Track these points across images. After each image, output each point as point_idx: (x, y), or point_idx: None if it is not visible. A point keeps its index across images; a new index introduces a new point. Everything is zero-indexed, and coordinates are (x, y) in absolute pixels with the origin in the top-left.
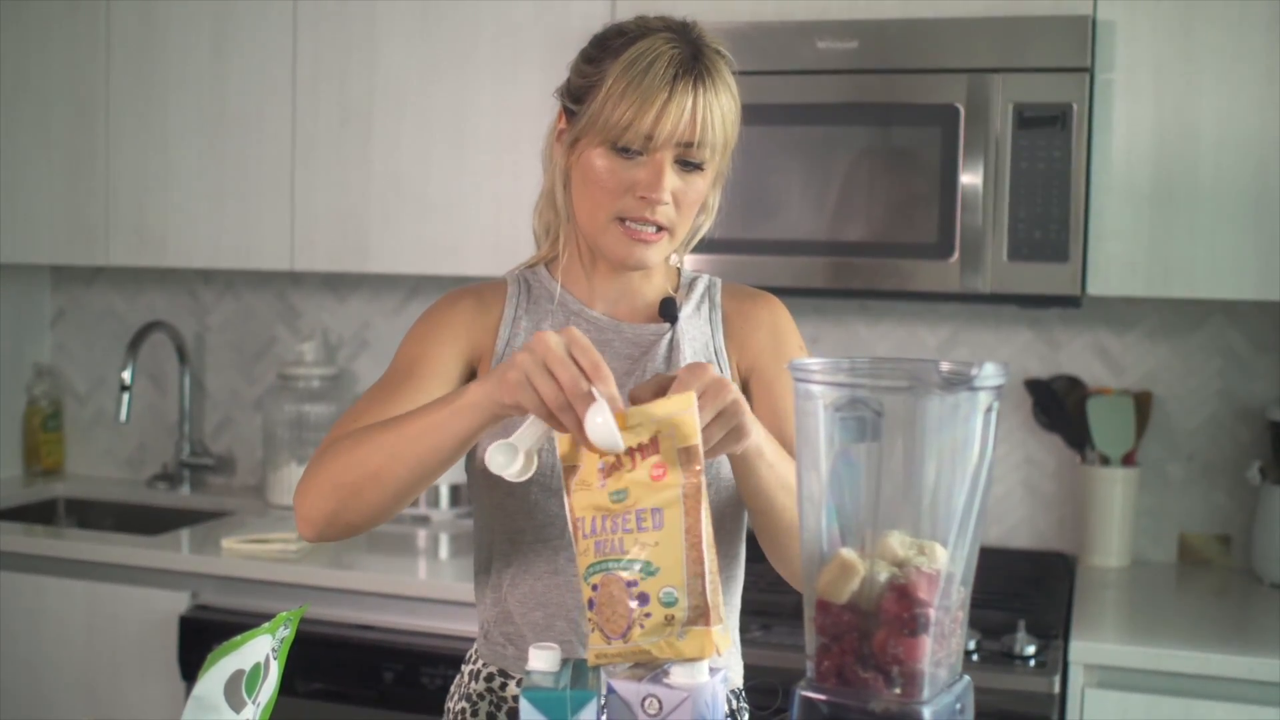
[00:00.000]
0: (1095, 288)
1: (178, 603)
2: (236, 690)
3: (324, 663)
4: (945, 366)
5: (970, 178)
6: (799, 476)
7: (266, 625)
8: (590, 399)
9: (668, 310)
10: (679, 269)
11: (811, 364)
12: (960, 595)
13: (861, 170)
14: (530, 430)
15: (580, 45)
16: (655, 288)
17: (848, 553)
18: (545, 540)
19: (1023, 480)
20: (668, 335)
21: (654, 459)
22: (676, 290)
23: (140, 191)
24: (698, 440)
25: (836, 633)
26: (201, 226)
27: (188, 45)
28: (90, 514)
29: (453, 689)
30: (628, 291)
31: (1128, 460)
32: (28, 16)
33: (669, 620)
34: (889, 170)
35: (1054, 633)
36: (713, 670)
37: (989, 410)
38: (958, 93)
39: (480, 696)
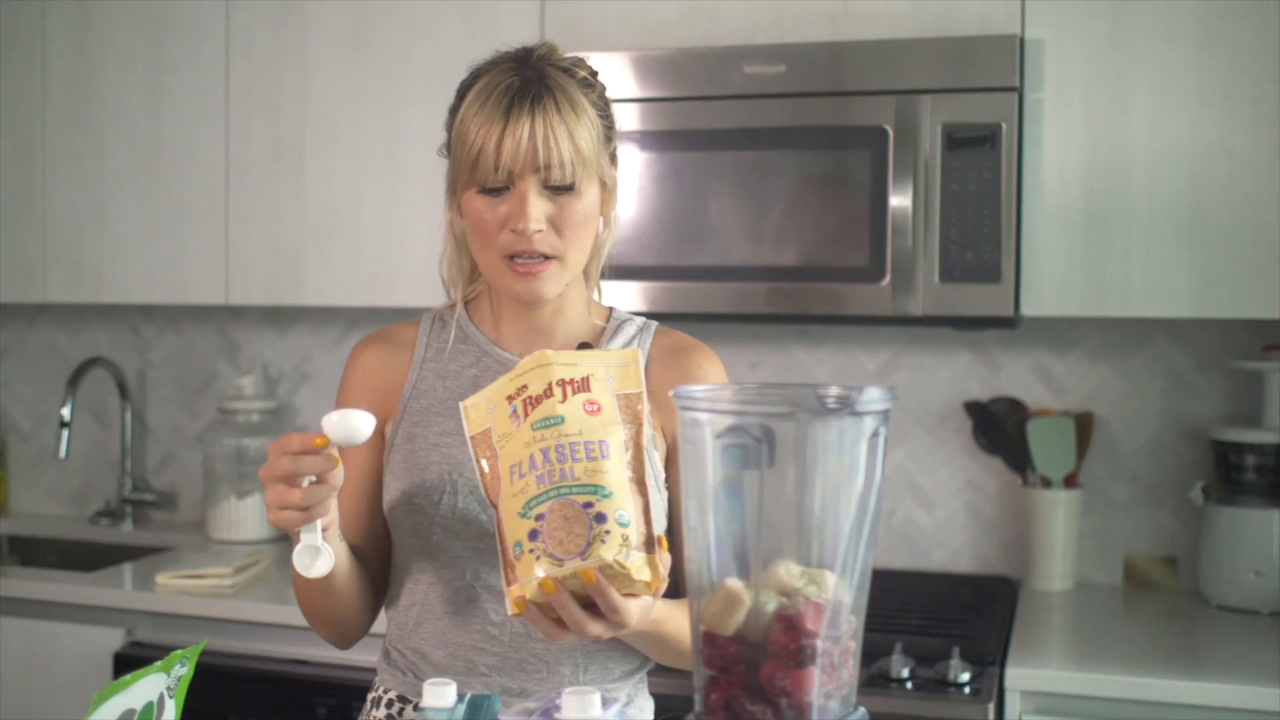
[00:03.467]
0: (1030, 308)
1: (112, 639)
2: None
3: (258, 697)
4: (824, 392)
5: (900, 200)
6: (684, 505)
7: (159, 664)
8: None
9: None
10: (610, 309)
11: (696, 390)
12: (851, 624)
13: (792, 194)
14: (306, 531)
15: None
16: (573, 328)
17: (733, 583)
18: (446, 582)
19: (965, 504)
20: None
21: (585, 395)
22: (602, 332)
23: (77, 228)
24: (642, 389)
25: (724, 665)
26: (137, 262)
27: (122, 82)
28: (33, 551)
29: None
30: (540, 330)
31: (1070, 482)
32: None
33: (625, 540)
34: (819, 194)
35: (990, 659)
36: (606, 703)
37: (875, 435)
38: (886, 114)
39: None
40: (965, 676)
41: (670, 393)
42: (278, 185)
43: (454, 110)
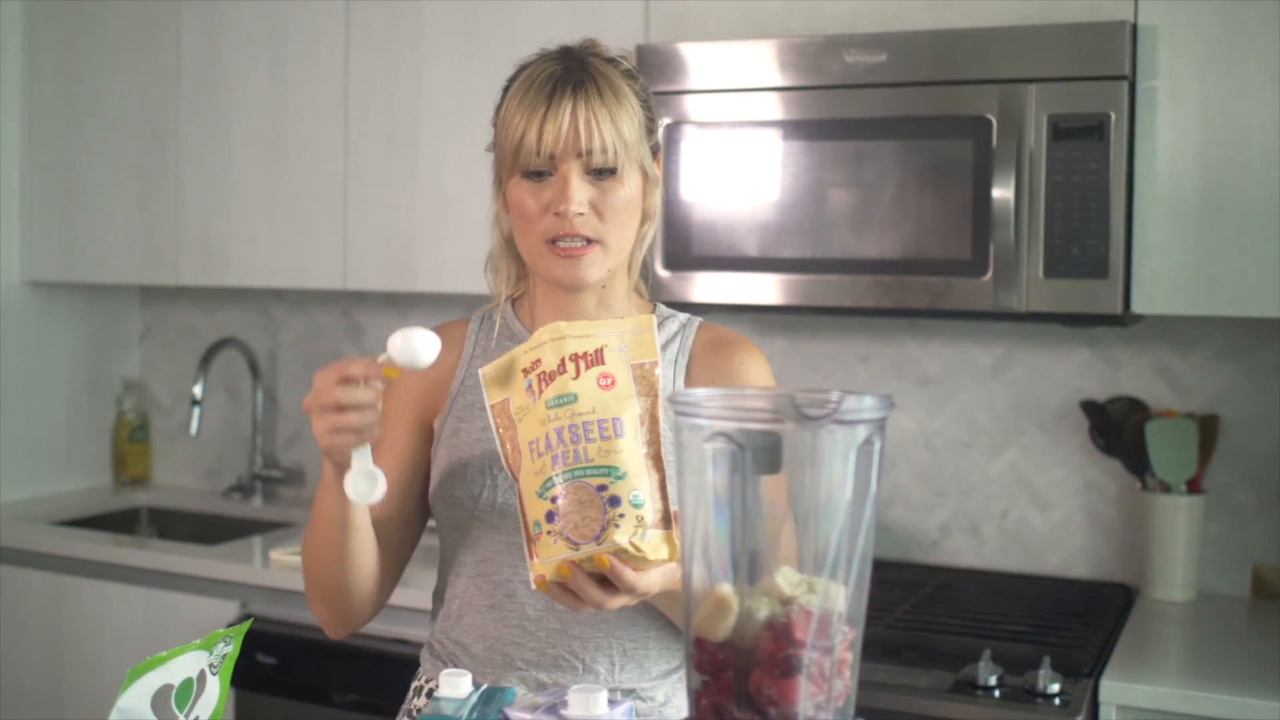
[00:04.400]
0: (1140, 305)
1: (226, 612)
2: (165, 705)
3: (360, 675)
4: (806, 399)
5: (1004, 192)
6: (681, 506)
7: (200, 641)
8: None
9: None
10: (654, 305)
11: (695, 394)
12: (847, 636)
13: (893, 185)
14: (359, 456)
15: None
16: None
17: (724, 589)
18: (484, 575)
19: (1082, 506)
20: None
21: (599, 369)
22: None
23: (206, 213)
24: (657, 358)
25: (714, 670)
26: (261, 246)
27: (248, 74)
28: (169, 523)
29: (402, 709)
30: None
31: (1193, 487)
32: (103, 49)
33: (639, 521)
34: (921, 185)
35: (1085, 669)
36: (613, 702)
37: (868, 444)
38: (990, 104)
39: (421, 712)
40: (1055, 687)
41: (666, 397)
42: (392, 174)
43: (498, 105)
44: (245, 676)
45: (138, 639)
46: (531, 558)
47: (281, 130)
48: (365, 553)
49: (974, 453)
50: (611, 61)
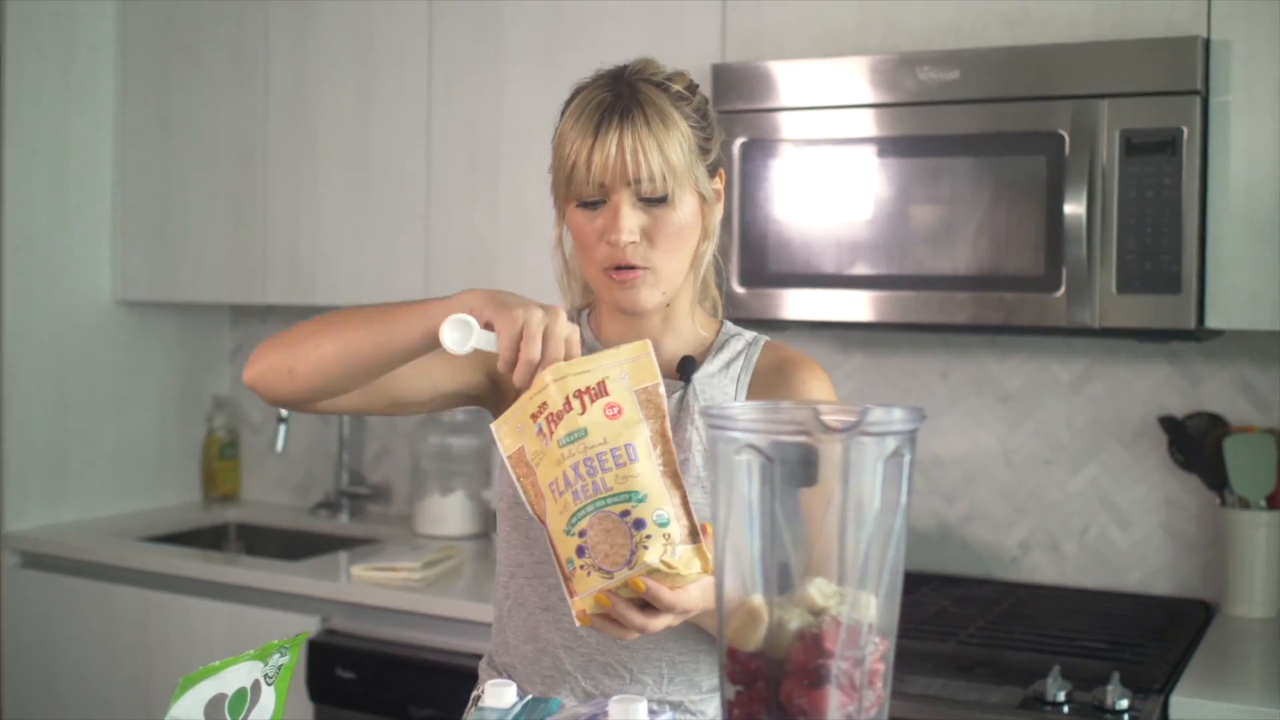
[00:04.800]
0: (1215, 320)
1: (308, 626)
2: (219, 713)
3: (439, 691)
4: (830, 412)
5: (1076, 207)
6: (715, 519)
7: (253, 652)
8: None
9: (684, 368)
10: (721, 322)
11: (726, 407)
12: (879, 646)
13: (965, 201)
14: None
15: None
16: (681, 341)
17: (755, 599)
18: (540, 576)
19: (1163, 523)
20: (678, 393)
21: (604, 400)
22: (710, 346)
23: (293, 233)
24: (658, 379)
25: (746, 680)
26: (347, 266)
27: (334, 95)
28: (257, 539)
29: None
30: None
31: (1273, 503)
32: (196, 72)
33: (667, 539)
34: (993, 201)
35: (1156, 686)
36: (653, 713)
37: (896, 456)
38: (1062, 120)
39: None
40: (1124, 704)
41: (699, 409)
42: (474, 193)
43: (556, 128)
44: (324, 691)
45: (221, 653)
46: (571, 595)
47: (366, 151)
48: (370, 375)
49: (1054, 469)
50: (662, 85)
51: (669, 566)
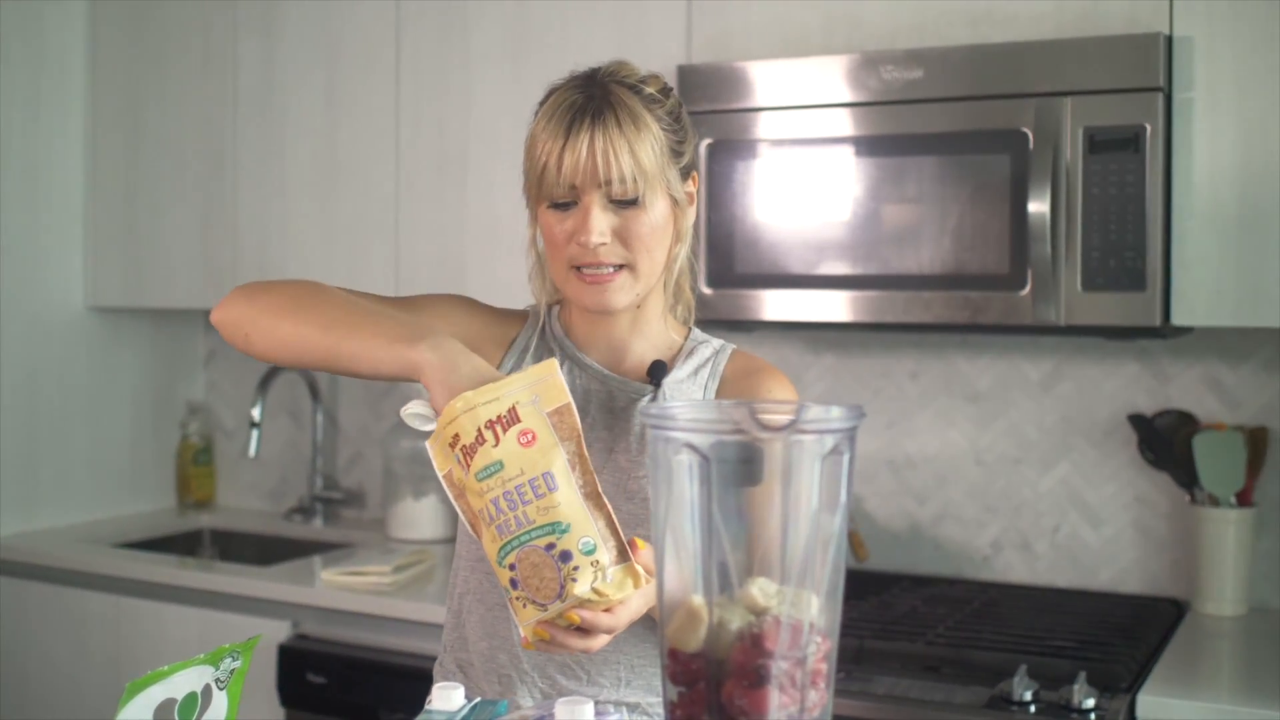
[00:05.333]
0: (1181, 317)
1: (279, 632)
2: (169, 717)
3: (410, 694)
4: (764, 410)
5: (1040, 205)
6: (655, 518)
7: (204, 656)
8: None
9: (654, 373)
10: (689, 328)
11: (663, 408)
12: (821, 646)
13: (929, 200)
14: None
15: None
16: (650, 345)
17: (695, 600)
18: None
19: (1133, 521)
20: (647, 397)
21: (517, 428)
22: (679, 351)
23: (262, 237)
24: (569, 399)
25: (688, 681)
26: (317, 270)
27: (302, 99)
28: (232, 545)
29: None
30: (616, 344)
31: (1243, 500)
32: (164, 77)
33: (595, 565)
34: (957, 200)
35: (1123, 685)
36: (601, 714)
37: (835, 454)
38: (1026, 118)
39: None
40: (1090, 703)
41: (639, 409)
42: (443, 196)
43: (530, 129)
44: (295, 696)
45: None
46: (513, 614)
47: (335, 154)
48: (320, 369)
49: (1024, 468)
50: (635, 87)
51: (600, 594)
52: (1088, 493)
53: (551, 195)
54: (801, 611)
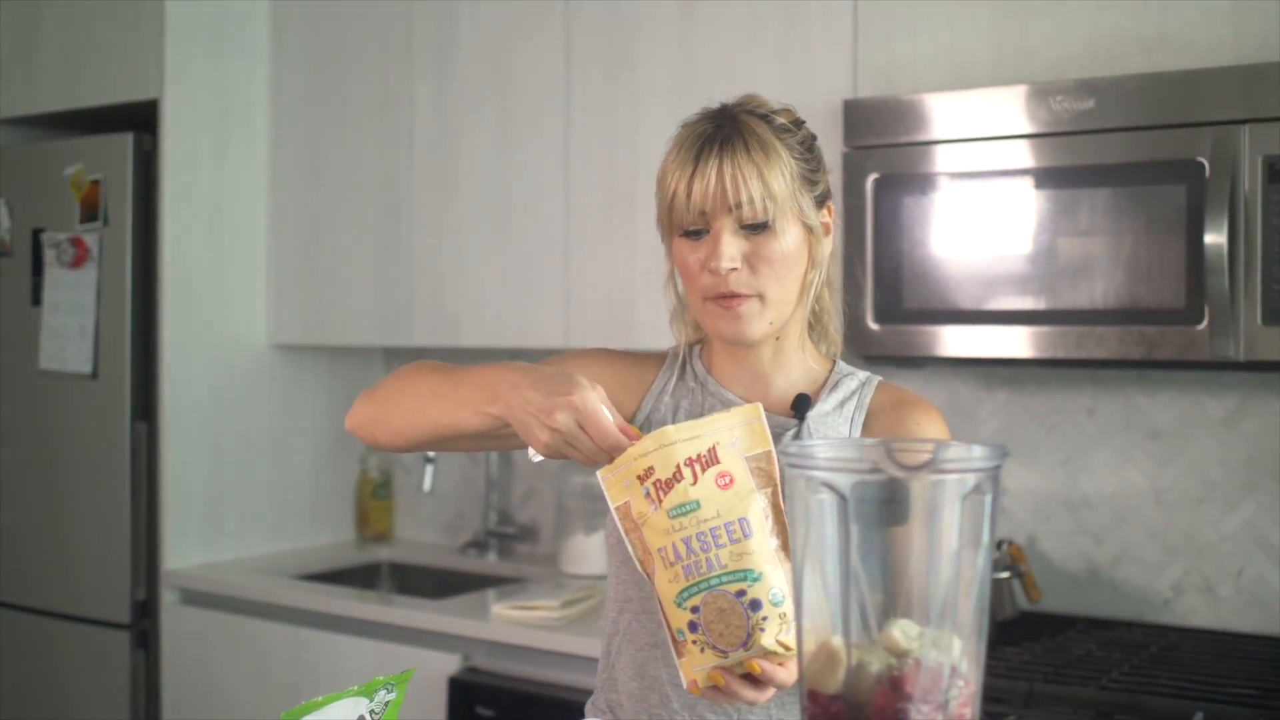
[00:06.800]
0: None
1: (449, 664)
2: None
3: None
4: (903, 449)
5: (1218, 237)
6: (793, 560)
7: (358, 687)
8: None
9: (799, 406)
10: (834, 360)
11: (802, 446)
12: (964, 691)
13: (1103, 233)
14: None
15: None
16: (792, 377)
17: (834, 641)
18: (649, 612)
19: None
20: (792, 431)
21: (716, 469)
22: (824, 384)
23: (438, 277)
24: (770, 447)
25: None
26: (490, 308)
27: (476, 141)
28: (409, 578)
29: None
30: (759, 377)
31: None
32: (344, 122)
33: (782, 618)
34: (1131, 232)
35: None
36: None
37: (977, 493)
38: (1202, 147)
39: None
40: None
41: (777, 447)
42: (612, 234)
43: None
44: None
45: None
46: (680, 657)
47: (508, 195)
48: (445, 442)
49: (1207, 508)
50: (766, 117)
51: (785, 647)
52: (1274, 534)
53: (683, 223)
54: (943, 654)
